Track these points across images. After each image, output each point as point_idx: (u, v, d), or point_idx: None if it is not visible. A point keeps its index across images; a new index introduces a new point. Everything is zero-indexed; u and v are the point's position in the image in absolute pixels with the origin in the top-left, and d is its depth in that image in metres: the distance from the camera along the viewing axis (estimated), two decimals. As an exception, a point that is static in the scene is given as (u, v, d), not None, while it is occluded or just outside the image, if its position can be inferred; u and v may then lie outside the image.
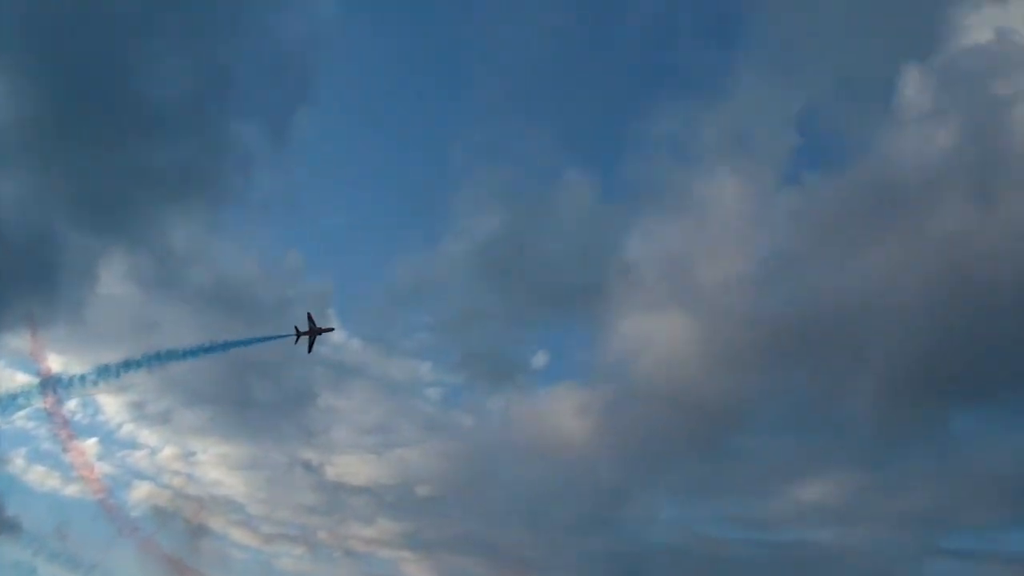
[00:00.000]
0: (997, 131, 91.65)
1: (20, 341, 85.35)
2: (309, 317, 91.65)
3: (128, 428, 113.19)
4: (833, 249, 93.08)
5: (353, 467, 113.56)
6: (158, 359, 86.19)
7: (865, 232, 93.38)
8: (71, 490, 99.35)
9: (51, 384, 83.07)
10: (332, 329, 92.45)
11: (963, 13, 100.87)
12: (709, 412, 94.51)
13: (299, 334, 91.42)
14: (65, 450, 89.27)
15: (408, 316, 77.46)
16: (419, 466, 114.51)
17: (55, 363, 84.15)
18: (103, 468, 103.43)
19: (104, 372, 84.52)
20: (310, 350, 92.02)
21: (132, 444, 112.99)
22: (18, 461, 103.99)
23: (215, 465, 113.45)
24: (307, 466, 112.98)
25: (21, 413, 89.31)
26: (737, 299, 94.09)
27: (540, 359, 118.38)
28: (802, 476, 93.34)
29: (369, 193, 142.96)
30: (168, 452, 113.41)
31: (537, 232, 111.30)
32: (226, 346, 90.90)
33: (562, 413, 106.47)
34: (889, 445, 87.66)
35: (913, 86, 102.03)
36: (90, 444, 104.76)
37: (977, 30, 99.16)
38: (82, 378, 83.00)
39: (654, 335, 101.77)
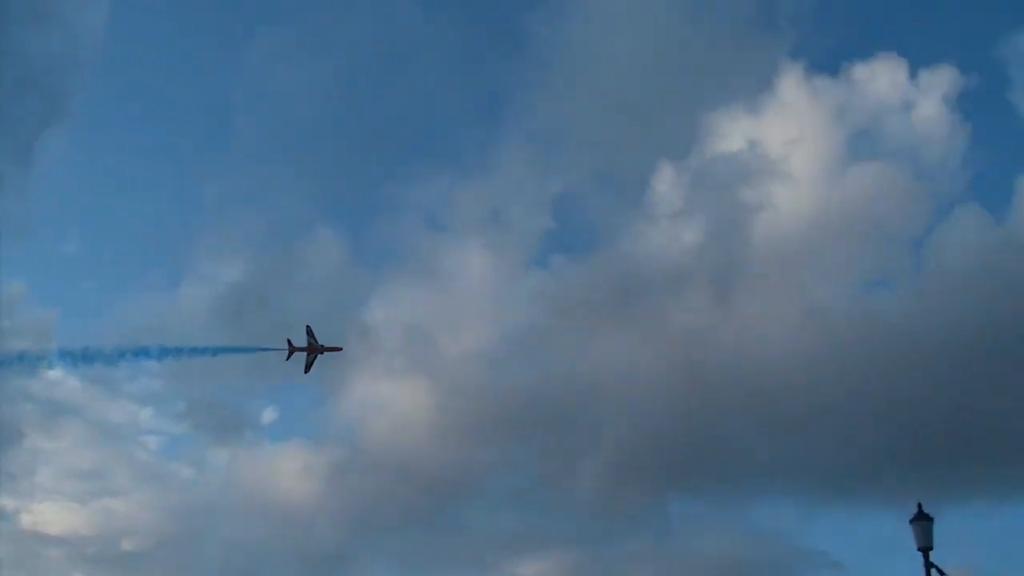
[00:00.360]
0: (739, 235, 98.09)
1: None
2: (308, 331, 72.35)
3: None
4: (574, 333, 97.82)
5: (53, 515, 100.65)
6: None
7: (606, 319, 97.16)
8: None
9: None
10: (340, 349, 74.25)
11: (719, 121, 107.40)
12: (437, 482, 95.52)
13: (293, 350, 71.74)
14: None
15: (136, 357, 69.81)
16: (127, 517, 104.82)
17: None
18: None
19: None
20: (307, 370, 72.95)
21: None
22: None
23: None
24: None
25: None
26: (475, 372, 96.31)
27: (270, 414, 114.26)
28: (523, 552, 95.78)
29: (112, 224, 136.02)
30: None
31: (281, 285, 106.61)
32: (193, 352, 71.21)
33: (288, 472, 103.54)
34: (610, 526, 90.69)
35: (665, 184, 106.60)
36: None
37: (730, 138, 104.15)
38: None
39: (388, 400, 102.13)
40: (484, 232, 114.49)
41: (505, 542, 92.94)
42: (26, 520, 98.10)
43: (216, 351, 71.37)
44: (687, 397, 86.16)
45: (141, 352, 70.07)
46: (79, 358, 70.12)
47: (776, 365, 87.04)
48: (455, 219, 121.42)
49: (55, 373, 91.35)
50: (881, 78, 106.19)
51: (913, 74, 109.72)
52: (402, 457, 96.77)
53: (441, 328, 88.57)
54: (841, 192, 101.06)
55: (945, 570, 27.51)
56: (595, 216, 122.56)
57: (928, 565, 27.50)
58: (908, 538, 28.06)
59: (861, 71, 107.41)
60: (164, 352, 70.45)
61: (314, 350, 73.34)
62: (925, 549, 27.55)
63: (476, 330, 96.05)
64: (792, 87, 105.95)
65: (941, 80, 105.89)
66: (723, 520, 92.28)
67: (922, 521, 27.55)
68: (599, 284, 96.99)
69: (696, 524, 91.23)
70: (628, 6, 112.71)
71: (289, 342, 72.57)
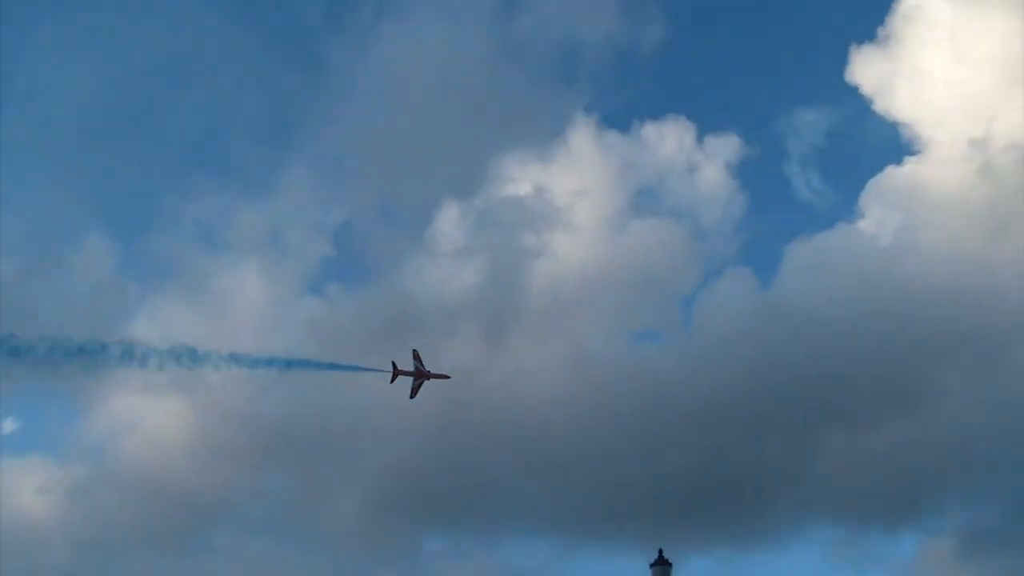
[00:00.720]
0: (517, 279, 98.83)
1: None
2: (415, 356, 73.94)
3: None
4: (344, 362, 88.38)
5: None
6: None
7: (378, 352, 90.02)
8: None
9: None
10: (447, 377, 74.20)
11: (508, 164, 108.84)
12: (189, 504, 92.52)
13: (397, 373, 72.86)
14: None
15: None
16: None
17: None
18: None
19: None
20: (413, 395, 73.70)
21: None
22: None
23: None
24: None
25: None
26: (238, 395, 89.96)
27: (9, 425, 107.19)
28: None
29: None
30: None
31: (42, 291, 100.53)
32: (305, 365, 73.54)
33: (24, 488, 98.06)
34: (364, 558, 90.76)
35: (449, 222, 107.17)
36: None
37: (518, 183, 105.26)
38: None
39: (144, 418, 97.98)
40: (261, 254, 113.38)
41: (255, 570, 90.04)
42: None
43: (316, 366, 73.15)
44: (451, 433, 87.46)
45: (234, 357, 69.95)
46: None
47: (542, 408, 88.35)
48: (233, 238, 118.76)
49: None
50: (669, 139, 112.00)
51: (700, 138, 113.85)
52: (154, 477, 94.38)
53: (208, 348, 78.30)
54: (620, 245, 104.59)
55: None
56: (376, 248, 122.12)
57: (662, 610, 26.06)
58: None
59: (651, 130, 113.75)
60: (266, 362, 71.86)
61: (421, 375, 73.77)
62: (662, 593, 26.40)
63: (243, 351, 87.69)
64: (583, 139, 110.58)
65: (725, 147, 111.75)
66: (476, 557, 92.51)
67: (661, 566, 26.18)
68: (374, 316, 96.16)
69: (449, 560, 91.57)
70: (432, 42, 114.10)
71: (394, 364, 73.38)
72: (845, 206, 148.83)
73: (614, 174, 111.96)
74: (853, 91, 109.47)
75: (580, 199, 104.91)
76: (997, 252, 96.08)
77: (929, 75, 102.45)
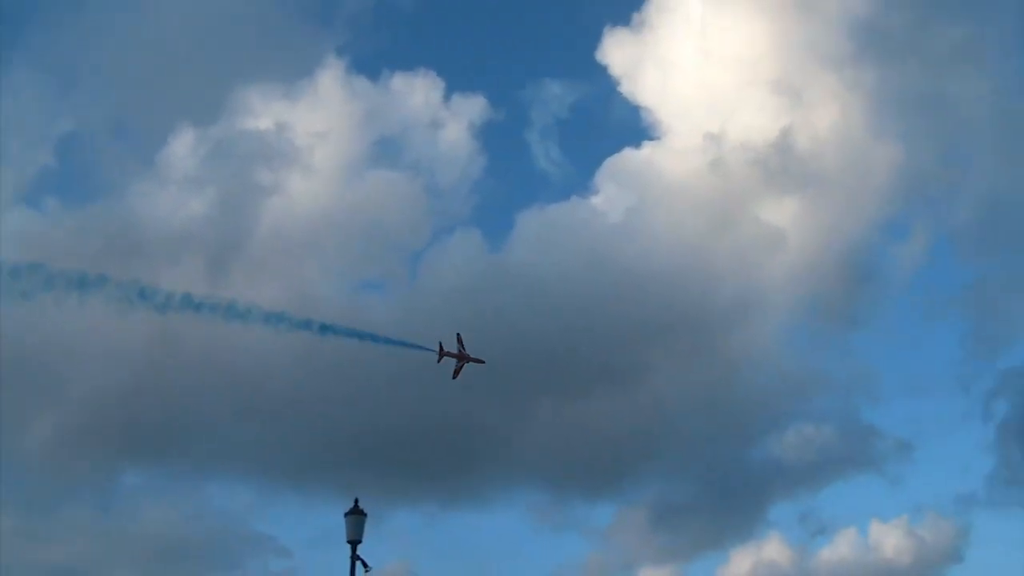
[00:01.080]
0: (247, 215, 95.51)
1: None
2: (459, 339, 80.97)
3: None
4: (55, 282, 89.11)
5: None
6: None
7: (94, 274, 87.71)
8: None
9: None
10: (483, 362, 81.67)
11: (252, 97, 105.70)
12: None
13: (442, 353, 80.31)
14: None
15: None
16: None
17: None
18: None
19: None
20: (455, 376, 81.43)
21: None
22: None
23: None
24: None
25: None
26: None
27: None
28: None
29: None
30: None
31: None
32: (357, 335, 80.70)
33: None
34: (53, 491, 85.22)
35: (184, 148, 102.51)
36: None
37: (260, 118, 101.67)
38: None
39: None
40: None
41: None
42: None
43: (364, 336, 79.90)
44: (159, 369, 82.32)
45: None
46: None
47: (258, 349, 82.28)
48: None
49: None
50: (417, 92, 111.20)
51: (447, 96, 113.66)
52: None
53: None
54: (355, 192, 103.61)
55: (383, 563, 30.74)
56: (102, 165, 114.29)
57: (354, 557, 30.30)
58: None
59: (400, 81, 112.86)
60: (319, 327, 78.87)
61: (463, 358, 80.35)
62: (354, 542, 30.30)
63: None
64: (330, 82, 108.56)
65: (471, 108, 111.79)
66: (176, 495, 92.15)
67: (356, 515, 30.18)
68: (93, 236, 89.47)
69: (147, 496, 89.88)
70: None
71: (440, 345, 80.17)
72: (581, 181, 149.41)
73: (357, 121, 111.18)
74: (602, 70, 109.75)
75: (321, 141, 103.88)
76: (718, 243, 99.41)
77: (675, 66, 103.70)
